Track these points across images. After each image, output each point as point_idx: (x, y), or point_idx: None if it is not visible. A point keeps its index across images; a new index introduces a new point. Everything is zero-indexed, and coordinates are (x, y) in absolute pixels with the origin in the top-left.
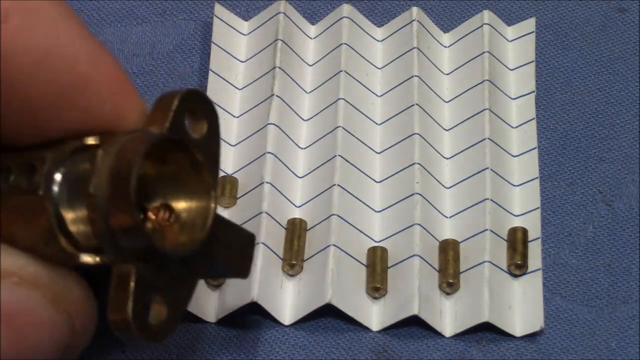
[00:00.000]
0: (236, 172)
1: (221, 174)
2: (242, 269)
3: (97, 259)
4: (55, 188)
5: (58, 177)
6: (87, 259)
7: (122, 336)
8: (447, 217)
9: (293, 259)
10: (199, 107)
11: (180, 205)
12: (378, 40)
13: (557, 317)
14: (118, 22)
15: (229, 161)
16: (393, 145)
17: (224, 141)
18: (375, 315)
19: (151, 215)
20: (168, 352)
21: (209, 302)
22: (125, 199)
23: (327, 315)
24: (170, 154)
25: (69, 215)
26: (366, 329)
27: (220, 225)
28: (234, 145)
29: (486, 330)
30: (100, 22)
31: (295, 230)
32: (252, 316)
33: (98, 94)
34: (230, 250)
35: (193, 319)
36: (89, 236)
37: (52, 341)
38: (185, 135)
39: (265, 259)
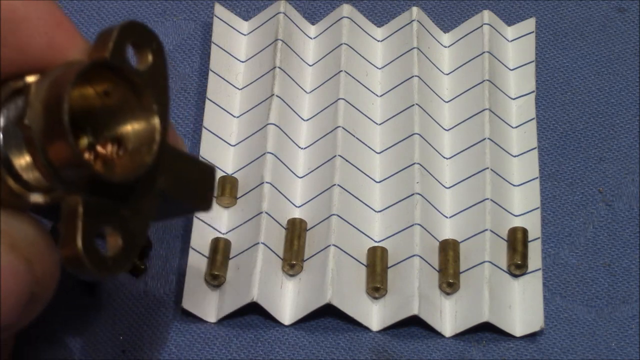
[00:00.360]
0: (236, 172)
1: (221, 174)
2: (203, 202)
3: (48, 197)
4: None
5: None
6: (37, 198)
7: (77, 272)
8: (447, 217)
9: (293, 259)
10: (141, 38)
11: (127, 133)
12: (378, 40)
13: (557, 317)
14: (118, 22)
15: (229, 161)
16: (393, 145)
17: (225, 141)
18: (375, 315)
19: (100, 150)
20: (168, 352)
21: (209, 302)
22: (59, 127)
23: (327, 315)
24: (113, 86)
25: (15, 156)
26: (366, 329)
27: (175, 157)
28: (234, 145)
29: (486, 330)
30: (100, 22)
31: (295, 230)
32: (252, 316)
33: (32, 31)
34: (187, 183)
35: (193, 318)
36: (38, 177)
37: (13, 288)
38: (123, 63)
39: (265, 259)
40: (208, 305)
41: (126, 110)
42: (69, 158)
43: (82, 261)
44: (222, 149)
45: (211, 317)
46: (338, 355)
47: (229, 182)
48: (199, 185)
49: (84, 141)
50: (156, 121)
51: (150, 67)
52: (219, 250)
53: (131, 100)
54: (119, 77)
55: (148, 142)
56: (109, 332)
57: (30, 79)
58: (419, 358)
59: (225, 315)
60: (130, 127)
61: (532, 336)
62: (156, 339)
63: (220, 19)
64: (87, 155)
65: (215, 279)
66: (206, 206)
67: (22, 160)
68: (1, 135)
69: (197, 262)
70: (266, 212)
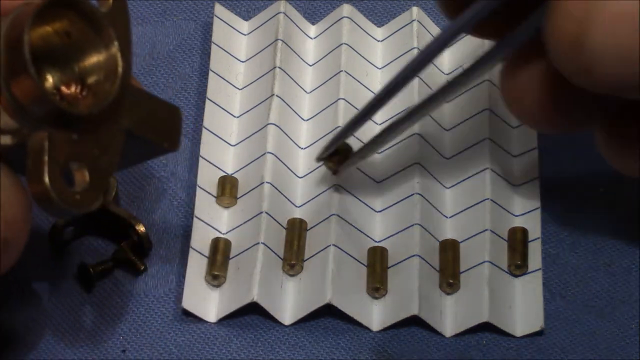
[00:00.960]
0: (236, 172)
1: (221, 174)
2: (170, 141)
3: (15, 139)
4: None
5: None
6: (5, 140)
7: (46, 207)
8: (447, 217)
9: (293, 259)
10: None
11: (90, 69)
12: (378, 40)
13: (557, 317)
14: None
15: (229, 161)
16: (393, 145)
17: (225, 141)
18: (375, 315)
19: (64, 90)
20: (168, 352)
21: (209, 302)
22: (21, 62)
23: (327, 315)
24: (72, 24)
25: None
26: (366, 329)
27: (139, 96)
28: (234, 145)
29: (486, 330)
30: None
31: (296, 230)
32: (252, 316)
33: None
34: (152, 121)
35: (193, 318)
36: (6, 121)
37: None
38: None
39: (265, 259)
40: (208, 305)
41: (87, 46)
42: (33, 92)
43: (50, 195)
44: (222, 149)
45: (211, 317)
46: (338, 356)
47: (229, 182)
48: (165, 124)
49: (49, 83)
50: (117, 53)
51: (111, 10)
52: (219, 250)
53: (91, 37)
54: (78, 14)
55: (110, 75)
56: (109, 332)
57: None
58: (419, 358)
59: (226, 315)
60: (92, 62)
61: (532, 336)
62: (156, 339)
63: (221, 19)
64: (54, 96)
65: (215, 279)
66: (173, 145)
67: None
68: None
69: (197, 262)
70: (266, 212)
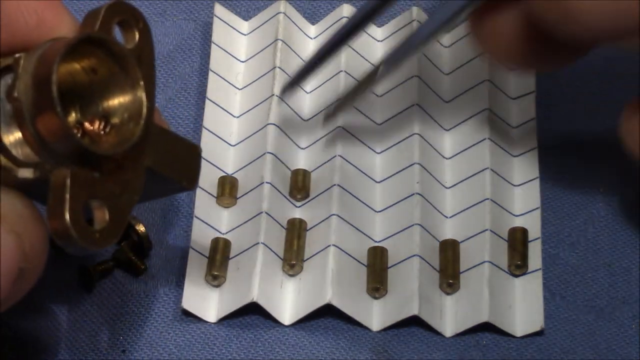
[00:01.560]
0: (236, 172)
1: (221, 174)
2: (188, 180)
3: (37, 172)
4: None
5: None
6: (25, 173)
7: (64, 244)
8: (447, 217)
9: (293, 259)
10: (128, 17)
11: (114, 108)
12: (378, 40)
13: (557, 317)
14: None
15: (229, 161)
16: (393, 145)
17: (225, 141)
18: (375, 315)
19: (88, 127)
20: (168, 352)
21: (209, 302)
22: (48, 99)
23: (327, 315)
24: (100, 62)
25: (3, 131)
26: (366, 329)
27: (161, 135)
28: (234, 145)
29: (486, 331)
30: None
31: (295, 230)
32: (252, 316)
33: (19, 8)
34: (173, 160)
35: (193, 318)
36: (27, 153)
37: (2, 264)
38: (110, 37)
39: (265, 259)
40: (208, 305)
41: (113, 85)
42: (57, 129)
43: (69, 233)
44: (222, 149)
45: (211, 317)
46: (338, 356)
47: (229, 182)
48: (184, 163)
49: (72, 118)
50: (142, 95)
51: (136, 46)
52: (219, 250)
53: (118, 76)
54: (106, 52)
55: (135, 116)
56: (109, 332)
57: (19, 56)
58: (419, 358)
59: (225, 315)
60: (117, 102)
61: (532, 336)
62: (156, 339)
63: (220, 19)
64: (75, 131)
65: (215, 279)
66: (191, 184)
67: (11, 136)
68: None
69: (197, 262)
70: (266, 212)
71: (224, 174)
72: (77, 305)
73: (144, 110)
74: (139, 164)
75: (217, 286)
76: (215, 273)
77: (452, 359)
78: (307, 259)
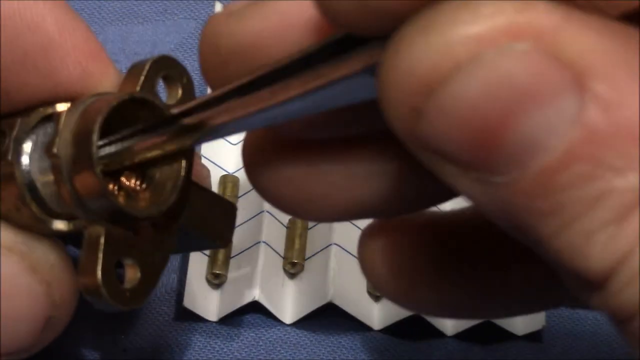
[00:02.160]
0: (237, 171)
1: (222, 172)
2: (222, 238)
3: (71, 225)
4: (24, 153)
5: (27, 142)
6: (59, 225)
7: (93, 301)
8: None
9: (294, 257)
10: (172, 72)
11: (152, 164)
12: None
13: (558, 316)
14: (119, 21)
15: (230, 160)
16: None
17: (226, 140)
18: (376, 315)
19: (124, 181)
20: (169, 351)
21: (211, 301)
22: (88, 159)
23: (328, 315)
24: (141, 119)
25: (39, 181)
26: (368, 328)
27: (198, 193)
28: (235, 144)
29: (487, 330)
30: (101, 22)
31: (297, 229)
32: (254, 315)
33: (64, 57)
34: (208, 219)
35: (195, 317)
36: (61, 202)
37: (31, 311)
38: (154, 97)
39: (266, 258)
40: (209, 304)
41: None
42: (95, 189)
43: (100, 292)
44: (223, 147)
45: (212, 316)
46: (340, 355)
47: (230, 181)
48: (219, 222)
49: (112, 166)
50: (182, 158)
51: (178, 102)
52: (221, 249)
53: None
54: (148, 111)
55: (173, 178)
56: (109, 331)
57: (61, 106)
58: (421, 357)
59: (227, 314)
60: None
61: (533, 335)
62: (157, 338)
63: None
64: (111, 185)
65: (216, 277)
66: (225, 243)
67: (41, 179)
68: (28, 160)
69: (198, 261)
70: (267, 211)
71: (225, 173)
72: (77, 305)
73: (182, 173)
74: (174, 223)
75: (219, 285)
76: (217, 272)
77: (453, 358)
78: (309, 257)
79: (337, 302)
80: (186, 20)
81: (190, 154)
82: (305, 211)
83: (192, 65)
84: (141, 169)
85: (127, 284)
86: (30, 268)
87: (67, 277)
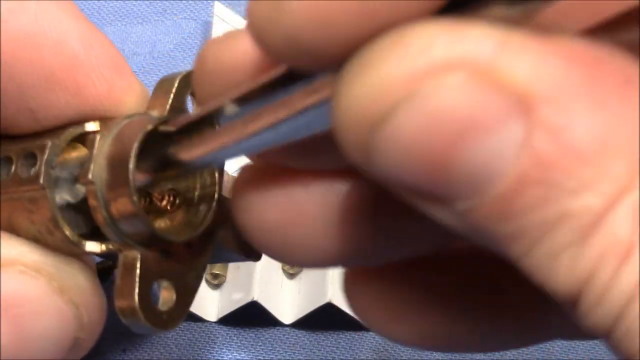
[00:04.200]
0: (237, 171)
1: None
2: (253, 252)
3: (103, 246)
4: (56, 176)
5: (58, 164)
6: (92, 247)
7: (131, 324)
8: None
9: None
10: None
11: (185, 187)
12: None
13: None
14: (118, 21)
15: (229, 160)
16: None
17: None
18: None
19: (156, 201)
20: (169, 351)
21: (210, 301)
22: (124, 185)
23: (327, 315)
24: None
25: (72, 205)
26: (367, 328)
27: (227, 208)
28: None
29: None
30: (100, 21)
31: None
32: (253, 315)
33: (90, 75)
34: (240, 234)
35: (194, 318)
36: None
37: (58, 332)
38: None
39: (265, 259)
40: (209, 305)
41: None
42: (131, 215)
43: (138, 315)
44: None
45: (212, 316)
46: (339, 355)
47: (230, 182)
48: None
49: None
50: (216, 179)
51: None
52: None
53: None
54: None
55: (207, 198)
56: (109, 331)
57: (90, 126)
58: (420, 357)
59: (226, 315)
60: (189, 182)
61: None
62: (157, 338)
63: (221, 18)
64: (142, 204)
65: (215, 278)
66: (257, 258)
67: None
68: (60, 184)
69: None
70: None
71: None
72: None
73: (216, 195)
74: (209, 243)
75: (218, 285)
76: (216, 272)
77: (452, 358)
78: None
79: (336, 303)
80: (186, 20)
81: (222, 171)
82: (285, 253)
83: (191, 65)
84: (174, 191)
85: (163, 306)
86: (59, 290)
87: (96, 299)
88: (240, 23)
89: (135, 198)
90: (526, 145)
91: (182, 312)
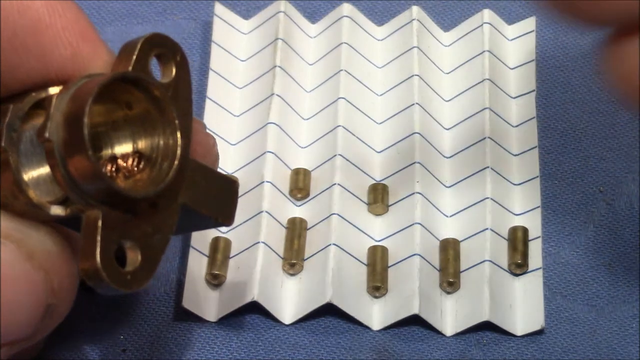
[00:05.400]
0: (236, 171)
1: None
2: (224, 216)
3: (68, 210)
4: (18, 138)
5: (20, 127)
6: (57, 210)
7: (95, 285)
8: (447, 216)
9: (293, 258)
10: (165, 50)
11: (148, 146)
12: (378, 40)
13: (558, 316)
14: (118, 21)
15: (229, 160)
16: (393, 144)
17: (225, 140)
18: (375, 315)
19: (121, 163)
20: (168, 351)
21: (210, 302)
22: (80, 141)
23: (327, 315)
24: (135, 99)
25: (34, 166)
26: (367, 328)
27: (197, 170)
28: (234, 145)
29: (487, 330)
30: (100, 21)
31: (296, 230)
32: (253, 315)
33: (55, 38)
34: (209, 196)
35: (194, 318)
36: (57, 191)
37: (29, 299)
38: (146, 76)
39: (265, 258)
40: (208, 305)
41: (148, 123)
42: (89, 172)
43: (101, 275)
44: (222, 147)
45: (211, 316)
46: (339, 355)
47: None
48: (221, 199)
49: (106, 152)
50: (178, 136)
51: (173, 80)
52: (219, 250)
53: (153, 114)
54: (141, 90)
55: (169, 156)
56: (109, 331)
57: (54, 90)
58: (420, 357)
59: (226, 315)
60: (152, 140)
61: (533, 335)
62: (156, 338)
63: (221, 18)
64: (108, 167)
65: (215, 278)
66: (228, 220)
67: (43, 172)
68: (22, 146)
69: (197, 261)
70: (266, 212)
71: (224, 173)
72: (77, 305)
73: (179, 151)
74: (174, 202)
75: (218, 285)
76: (216, 272)
77: (452, 358)
78: (308, 258)
79: (336, 303)
80: (186, 20)
81: (188, 132)
82: None
83: (191, 65)
84: (138, 152)
85: (128, 267)
86: (27, 255)
87: (66, 264)
88: (241, 23)
89: (90, 153)
90: None
91: (147, 273)
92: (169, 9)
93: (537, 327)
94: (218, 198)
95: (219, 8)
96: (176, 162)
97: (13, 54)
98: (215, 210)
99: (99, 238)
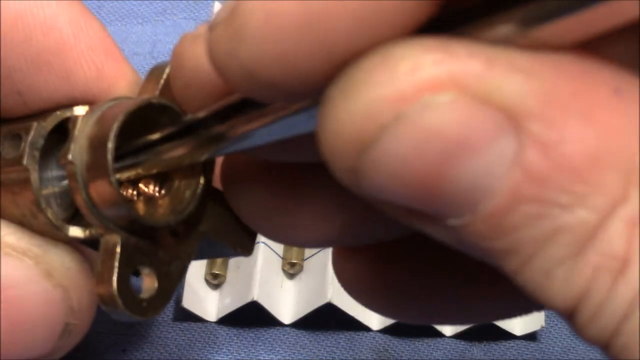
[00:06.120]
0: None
1: None
2: (244, 246)
3: (87, 232)
4: (40, 157)
5: (42, 146)
6: (75, 232)
7: (110, 311)
8: None
9: (293, 258)
10: None
11: (171, 172)
12: None
13: (557, 316)
14: (118, 21)
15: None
16: None
17: None
18: (375, 315)
19: (143, 187)
20: (168, 351)
21: (210, 302)
22: (103, 166)
23: (327, 315)
24: (161, 124)
25: (55, 187)
26: (367, 328)
27: (217, 199)
28: None
29: (487, 330)
30: (100, 21)
31: None
32: (253, 315)
33: (79, 59)
34: (229, 226)
35: (194, 318)
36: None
37: (47, 317)
38: (173, 102)
39: (265, 258)
40: (208, 305)
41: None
42: (110, 198)
43: (116, 302)
44: None
45: (211, 316)
46: (339, 355)
47: None
48: (241, 229)
49: (128, 174)
50: (201, 166)
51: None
52: None
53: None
54: (167, 117)
55: (192, 185)
56: (109, 331)
57: (79, 110)
58: (420, 357)
59: (226, 315)
60: (175, 165)
61: (532, 335)
62: (156, 338)
63: None
64: (129, 191)
65: (215, 278)
66: (247, 252)
67: (63, 191)
68: (44, 166)
69: (197, 261)
70: None
71: None
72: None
73: (202, 181)
74: (194, 231)
75: (218, 285)
76: (216, 272)
77: (452, 358)
78: (308, 258)
79: (336, 303)
80: (185, 20)
81: (211, 162)
82: (275, 235)
83: None
84: (161, 175)
85: (144, 294)
86: (45, 272)
87: (85, 283)
88: None
89: (113, 179)
90: (517, 162)
91: (163, 300)
92: (169, 9)
93: (536, 327)
94: (237, 228)
95: (218, 8)
96: (199, 192)
97: (37, 74)
98: (235, 241)
99: (116, 264)
